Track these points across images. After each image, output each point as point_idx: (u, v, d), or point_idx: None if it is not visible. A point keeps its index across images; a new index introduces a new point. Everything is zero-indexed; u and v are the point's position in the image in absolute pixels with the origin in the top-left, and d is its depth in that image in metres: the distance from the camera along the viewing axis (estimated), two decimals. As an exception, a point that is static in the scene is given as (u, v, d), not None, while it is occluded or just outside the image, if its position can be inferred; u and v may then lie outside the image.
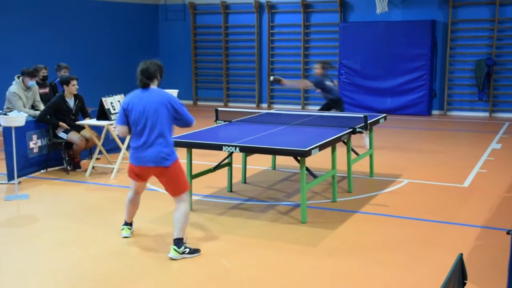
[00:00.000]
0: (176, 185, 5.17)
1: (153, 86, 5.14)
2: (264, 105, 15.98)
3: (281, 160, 8.47)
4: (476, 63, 13.66)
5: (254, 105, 16.03)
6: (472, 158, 9.06)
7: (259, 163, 8.43)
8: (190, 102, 16.86)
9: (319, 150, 5.93)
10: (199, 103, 16.88)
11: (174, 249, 5.07)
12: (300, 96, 15.58)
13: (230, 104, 16.35)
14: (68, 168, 8.30)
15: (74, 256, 5.19)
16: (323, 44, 15.24)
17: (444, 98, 14.22)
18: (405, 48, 13.87)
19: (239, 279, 4.70)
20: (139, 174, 5.24)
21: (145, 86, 5.10)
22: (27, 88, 8.69)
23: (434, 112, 14.30)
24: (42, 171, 8.32)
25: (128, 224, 5.67)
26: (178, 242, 5.09)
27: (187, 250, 5.11)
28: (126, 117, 5.13)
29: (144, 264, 5.00)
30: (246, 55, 16.19)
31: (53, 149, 8.39)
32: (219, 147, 5.99)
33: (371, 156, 7.92)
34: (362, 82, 14.38)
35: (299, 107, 15.46)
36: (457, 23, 13.93)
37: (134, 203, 5.56)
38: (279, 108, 14.31)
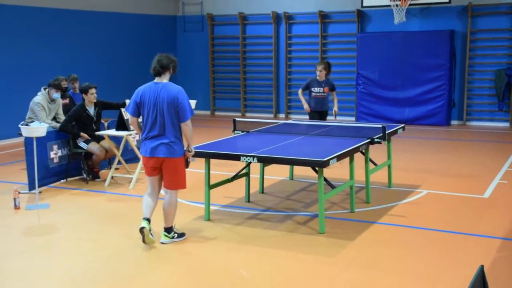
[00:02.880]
0: (178, 179, 5.58)
1: (165, 77, 5.53)
2: (282, 115, 15.99)
3: (298, 170, 8.46)
4: (496, 73, 13.53)
5: (272, 115, 16.05)
6: (492, 168, 8.96)
7: (276, 173, 8.43)
8: (208, 112, 16.93)
9: (337, 161, 5.92)
10: (217, 113, 16.94)
11: (165, 235, 5.70)
12: (318, 106, 15.53)
13: (248, 115, 16.39)
14: (87, 178, 8.37)
15: (94, 266, 5.23)
16: (341, 54, 15.23)
17: (464, 108, 14.10)
18: (424, 58, 13.81)
19: (257, 289, 4.69)
20: (152, 166, 5.59)
21: (158, 74, 5.51)
22: (52, 100, 8.81)
23: (453, 122, 14.19)
24: (62, 181, 8.41)
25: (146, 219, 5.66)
26: (169, 229, 5.72)
27: (176, 235, 5.75)
28: (137, 109, 5.59)
29: (163, 275, 5.02)
30: (264, 65, 16.25)
31: (73, 159, 8.48)
32: (237, 158, 6.00)
33: (389, 166, 7.88)
34: (380, 92, 14.33)
35: (317, 117, 15.42)
36: (476, 33, 13.83)
37: (151, 197, 5.73)
38: (296, 118, 14.31)
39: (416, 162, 9.63)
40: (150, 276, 4.97)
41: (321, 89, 9.22)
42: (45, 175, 8.07)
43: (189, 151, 5.64)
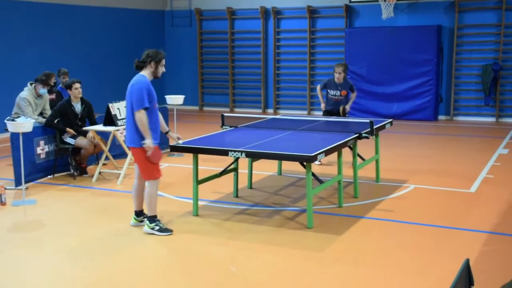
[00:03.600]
0: (143, 170, 5.78)
1: (145, 71, 5.72)
2: (270, 111, 15.99)
3: (286, 165, 8.46)
4: (482, 68, 13.63)
5: (260, 111, 16.04)
6: (478, 163, 9.03)
7: (265, 169, 8.43)
8: (196, 107, 16.89)
9: (325, 156, 5.93)
10: (205, 108, 16.90)
11: (147, 224, 5.84)
12: (306, 102, 15.58)
13: (236, 110, 16.38)
14: (75, 173, 8.33)
15: (80, 262, 5.21)
16: (329, 49, 15.25)
17: (451, 103, 14.19)
18: (411, 53, 13.87)
19: (245, 284, 4.70)
20: None
21: (136, 68, 5.75)
22: (38, 96, 8.74)
23: (441, 117, 14.28)
24: (49, 176, 8.35)
25: (136, 213, 6.11)
26: (150, 218, 5.84)
27: (157, 227, 5.80)
28: None
29: (151, 270, 5.01)
30: (252, 60, 16.23)
31: (60, 155, 8.42)
32: (225, 153, 5.99)
33: (377, 161, 7.91)
34: (368, 88, 14.37)
35: (305, 112, 15.46)
36: (463, 28, 13.91)
37: (134, 187, 6.04)
38: (285, 114, 14.34)
39: (404, 157, 9.68)
40: (138, 272, 4.96)
41: (338, 92, 8.73)
42: (32, 170, 8.00)
43: (143, 143, 5.64)
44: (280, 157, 6.08)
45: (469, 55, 13.96)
